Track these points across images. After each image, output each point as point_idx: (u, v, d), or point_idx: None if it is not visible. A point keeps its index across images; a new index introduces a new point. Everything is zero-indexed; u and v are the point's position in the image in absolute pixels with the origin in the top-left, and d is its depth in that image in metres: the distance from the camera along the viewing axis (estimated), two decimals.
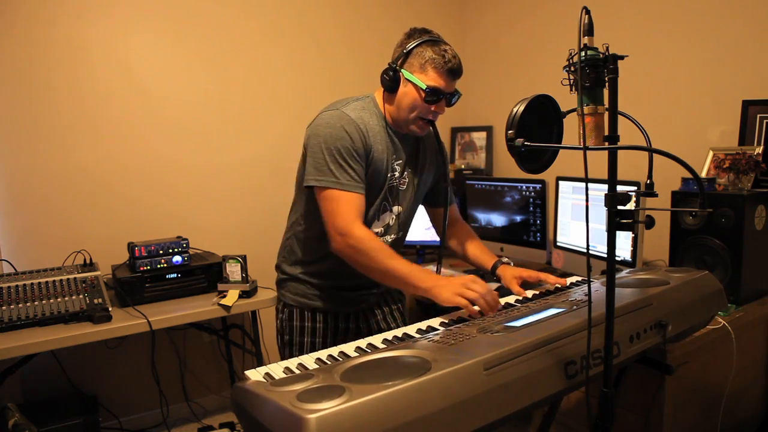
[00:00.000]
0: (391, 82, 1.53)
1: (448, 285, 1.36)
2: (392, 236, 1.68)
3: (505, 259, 1.68)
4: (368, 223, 1.60)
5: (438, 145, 1.72)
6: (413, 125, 1.56)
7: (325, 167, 1.48)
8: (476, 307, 1.33)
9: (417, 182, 1.68)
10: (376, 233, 1.62)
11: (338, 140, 1.48)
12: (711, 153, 2.21)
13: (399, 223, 1.68)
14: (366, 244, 1.45)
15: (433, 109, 1.53)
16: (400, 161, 1.62)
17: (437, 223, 1.85)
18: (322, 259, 1.64)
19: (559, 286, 1.56)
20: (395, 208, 1.65)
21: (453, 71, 1.50)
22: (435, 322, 1.36)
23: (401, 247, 1.76)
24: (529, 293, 1.54)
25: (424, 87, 1.49)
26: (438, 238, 1.82)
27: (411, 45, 1.51)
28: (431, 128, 1.66)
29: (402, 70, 1.52)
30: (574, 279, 1.70)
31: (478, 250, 1.75)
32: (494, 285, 2.37)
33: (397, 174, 1.62)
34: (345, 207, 1.48)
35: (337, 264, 1.54)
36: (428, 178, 1.74)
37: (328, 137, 1.49)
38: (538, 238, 2.72)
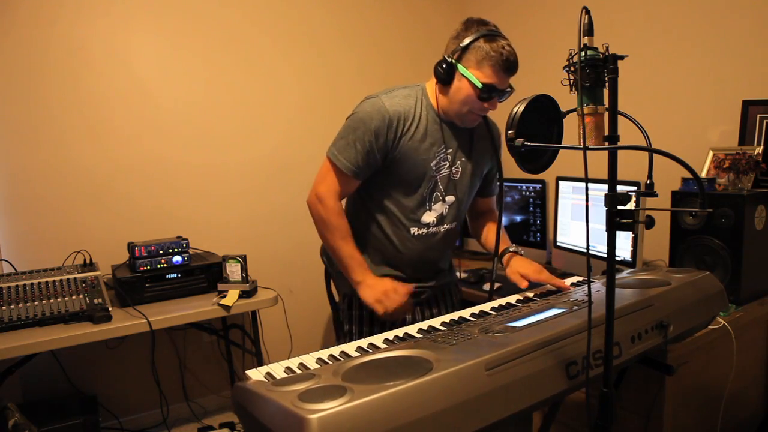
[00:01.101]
0: (445, 75, 1.53)
1: (373, 287, 1.51)
2: (446, 226, 1.69)
3: (513, 248, 1.69)
4: (418, 212, 1.63)
5: (489, 133, 1.71)
6: (465, 119, 1.58)
7: (338, 140, 1.59)
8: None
9: (471, 171, 1.69)
10: (428, 223, 1.65)
11: (359, 121, 1.55)
12: (711, 153, 2.21)
13: (454, 214, 1.69)
14: (329, 217, 1.59)
15: (485, 105, 1.54)
16: (450, 150, 1.63)
17: (473, 212, 1.88)
18: (376, 249, 1.68)
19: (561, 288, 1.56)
20: (448, 198, 1.66)
21: (510, 68, 1.50)
22: (436, 322, 1.36)
23: (456, 238, 1.77)
24: (530, 293, 1.54)
25: (480, 85, 1.48)
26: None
27: (468, 39, 1.48)
28: (489, 120, 1.71)
29: (458, 65, 1.51)
30: (574, 279, 1.70)
31: (493, 235, 1.76)
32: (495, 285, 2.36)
33: (448, 163, 1.63)
34: (331, 179, 1.59)
35: (390, 255, 1.64)
36: (483, 167, 1.75)
37: (355, 117, 1.58)
38: (538, 238, 2.72)
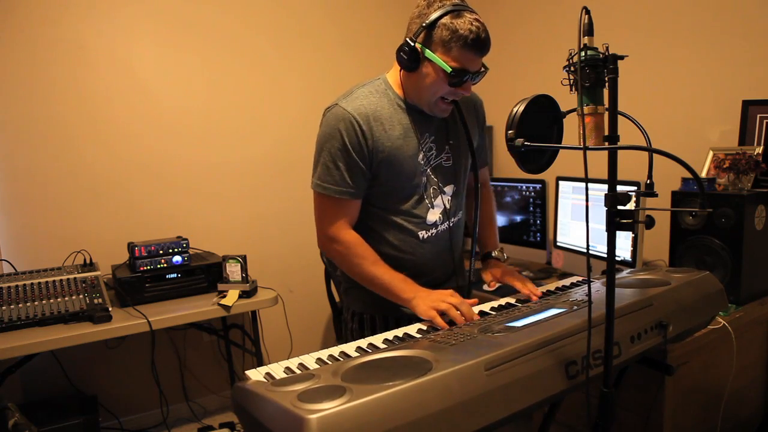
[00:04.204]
0: (410, 61, 1.36)
1: (427, 298, 1.35)
2: (453, 220, 1.55)
3: (495, 254, 1.62)
4: (421, 213, 1.49)
5: (474, 105, 1.59)
6: (435, 107, 1.43)
7: (317, 169, 1.46)
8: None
9: (461, 153, 1.54)
10: (435, 222, 1.51)
11: (330, 140, 1.42)
12: (711, 153, 2.21)
13: (457, 203, 1.56)
14: (352, 250, 1.45)
15: (458, 90, 1.39)
16: (433, 138, 1.48)
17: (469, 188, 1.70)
18: (391, 266, 1.49)
19: (531, 296, 1.47)
20: (448, 188, 1.53)
21: (481, 46, 1.32)
22: None
23: (463, 229, 1.63)
24: (512, 298, 1.53)
25: (449, 70, 1.32)
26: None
27: (432, 17, 1.31)
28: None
29: (423, 48, 1.34)
30: (574, 279, 1.70)
31: (482, 231, 1.66)
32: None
33: (434, 153, 1.49)
34: (332, 212, 1.46)
35: (404, 266, 1.48)
36: (474, 143, 1.58)
37: (322, 138, 1.44)
38: (538, 238, 2.72)
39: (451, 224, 1.55)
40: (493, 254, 1.61)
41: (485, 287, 1.65)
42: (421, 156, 1.46)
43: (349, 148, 1.40)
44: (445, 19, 1.31)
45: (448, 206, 1.53)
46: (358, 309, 1.60)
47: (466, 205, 1.68)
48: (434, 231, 1.53)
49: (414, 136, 1.45)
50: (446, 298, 1.33)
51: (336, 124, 1.40)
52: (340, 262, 1.50)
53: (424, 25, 1.33)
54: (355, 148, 1.40)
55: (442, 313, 1.31)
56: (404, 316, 1.50)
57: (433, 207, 1.51)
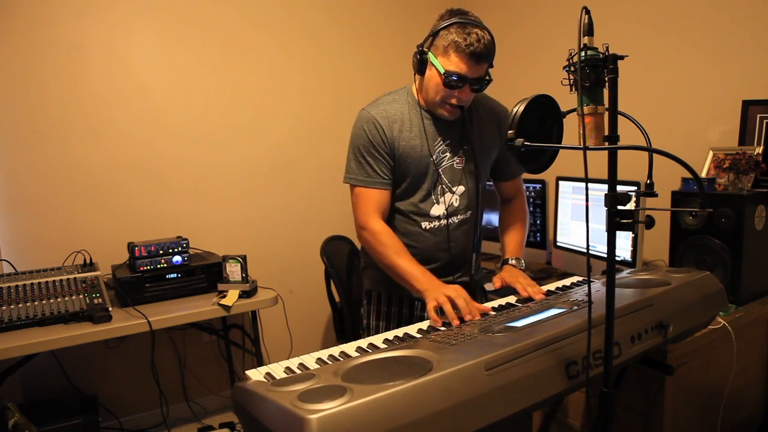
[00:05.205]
0: (419, 64, 1.54)
1: (436, 290, 1.42)
2: (459, 217, 1.67)
3: (512, 261, 1.68)
4: (426, 206, 1.63)
5: (497, 116, 1.69)
6: (440, 109, 1.56)
7: (349, 164, 1.64)
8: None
9: (477, 159, 1.65)
10: (438, 215, 1.64)
11: (357, 138, 1.61)
12: (711, 153, 2.21)
13: (465, 203, 1.67)
14: (378, 239, 1.58)
15: (456, 94, 1.50)
16: (449, 141, 1.62)
17: (500, 197, 1.86)
18: None
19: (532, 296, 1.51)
20: (457, 188, 1.65)
21: (476, 56, 1.44)
22: None
23: (478, 227, 1.73)
24: (512, 298, 1.54)
25: (442, 71, 1.47)
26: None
27: (440, 26, 1.47)
28: (494, 102, 1.71)
29: (429, 52, 1.50)
30: (574, 279, 1.70)
31: (505, 240, 1.78)
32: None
33: (448, 155, 1.62)
34: (363, 202, 1.61)
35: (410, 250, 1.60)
36: (490, 152, 1.71)
37: (353, 137, 1.63)
38: (538, 238, 2.72)
39: (456, 220, 1.66)
40: (510, 261, 1.69)
41: (486, 286, 1.68)
42: (432, 157, 1.61)
43: (374, 144, 1.58)
44: (450, 29, 1.45)
45: (456, 204, 1.66)
46: (369, 287, 1.77)
47: (500, 215, 1.84)
48: (437, 223, 1.66)
49: (427, 139, 1.60)
50: (449, 293, 1.38)
51: (362, 124, 1.61)
52: (368, 248, 1.64)
53: (431, 32, 1.49)
54: (378, 144, 1.58)
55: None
56: (412, 297, 1.64)
57: (438, 203, 1.64)
